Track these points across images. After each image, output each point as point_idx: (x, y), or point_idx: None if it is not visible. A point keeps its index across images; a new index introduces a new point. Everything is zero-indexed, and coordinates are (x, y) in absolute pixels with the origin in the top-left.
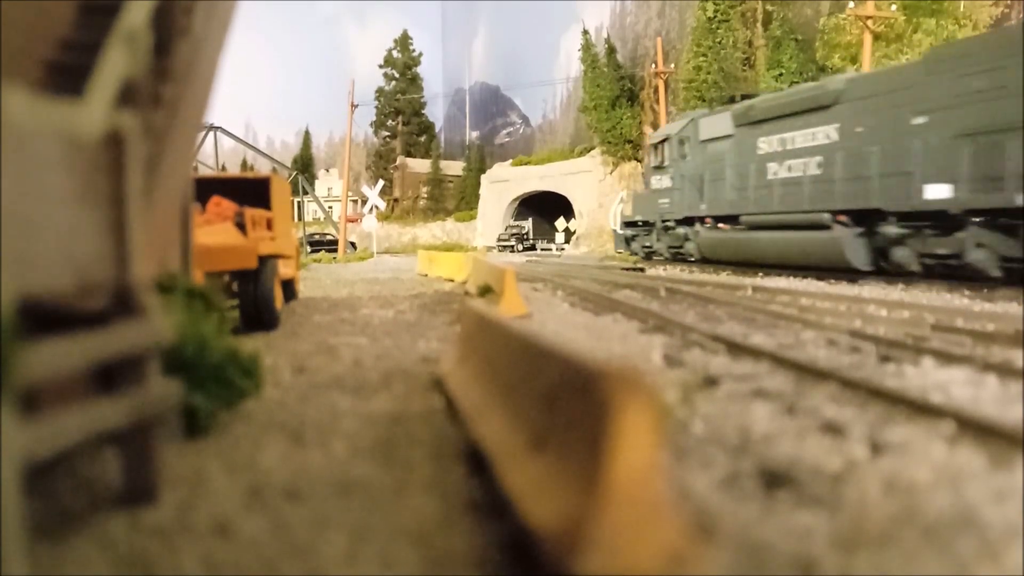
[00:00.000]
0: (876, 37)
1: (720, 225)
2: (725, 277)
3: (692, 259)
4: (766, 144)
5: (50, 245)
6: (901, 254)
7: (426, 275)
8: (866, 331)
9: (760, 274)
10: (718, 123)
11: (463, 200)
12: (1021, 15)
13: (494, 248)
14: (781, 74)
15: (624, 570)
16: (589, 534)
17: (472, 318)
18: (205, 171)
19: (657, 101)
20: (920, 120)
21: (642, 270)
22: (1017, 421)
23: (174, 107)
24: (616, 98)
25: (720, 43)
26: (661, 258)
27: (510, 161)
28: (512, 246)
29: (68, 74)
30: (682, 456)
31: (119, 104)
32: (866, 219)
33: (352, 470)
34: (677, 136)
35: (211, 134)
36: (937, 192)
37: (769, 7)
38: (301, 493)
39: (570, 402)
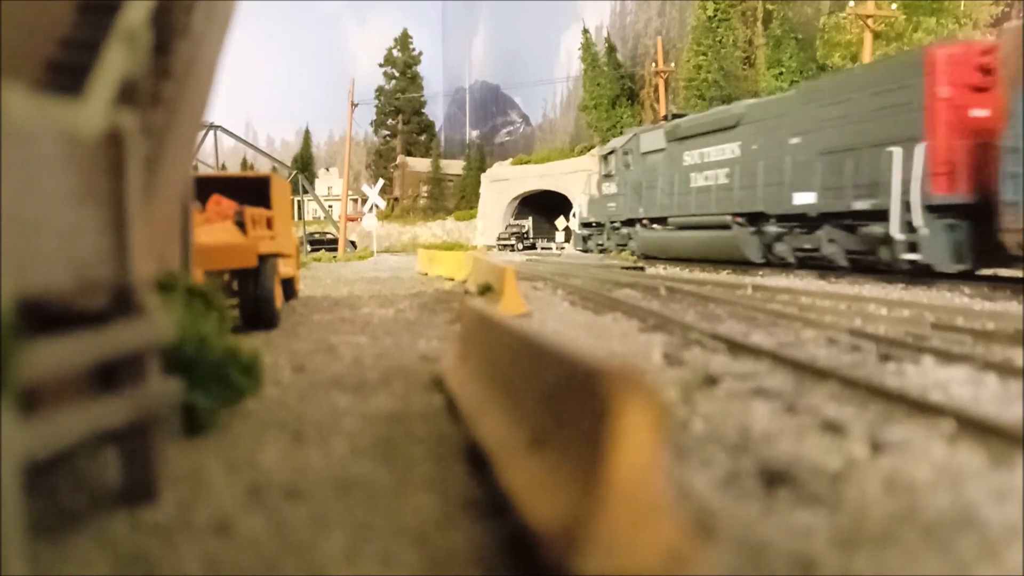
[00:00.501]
0: (876, 36)
1: (654, 226)
2: (725, 276)
3: (634, 254)
4: (689, 157)
5: (50, 244)
6: (780, 248)
7: (426, 274)
8: (866, 330)
9: (760, 273)
10: (654, 138)
11: (463, 199)
12: (1021, 14)
13: (494, 247)
14: (781, 73)
15: (624, 569)
16: (589, 533)
17: (472, 317)
18: (205, 170)
19: (657, 100)
20: (794, 140)
21: (642, 269)
22: (1017, 420)
23: (174, 106)
24: (616, 97)
25: (720, 42)
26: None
27: (510, 160)
28: (512, 245)
29: (68, 73)
30: (682, 455)
31: (119, 103)
32: (756, 220)
33: (352, 468)
34: (622, 149)
35: (211, 133)
36: (802, 199)
37: (769, 6)
38: (301, 491)
39: (570, 401)
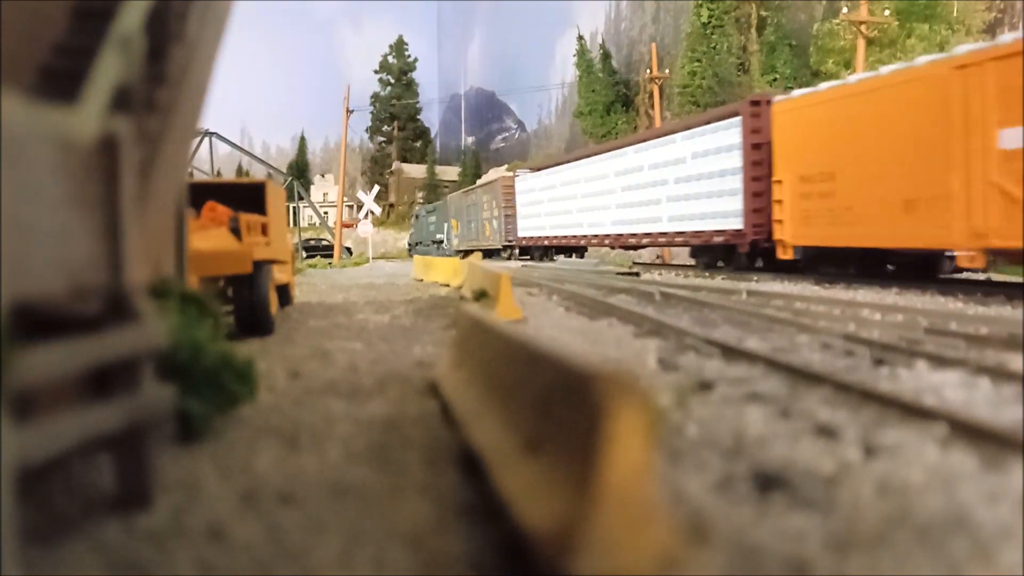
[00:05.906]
0: (870, 42)
1: (421, 245)
2: (720, 281)
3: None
4: (432, 219)
5: (44, 250)
6: (439, 251)
7: (422, 280)
8: (860, 335)
9: (755, 278)
10: (426, 210)
11: None
12: (1015, 20)
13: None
14: (775, 79)
15: (618, 572)
16: (583, 536)
17: (467, 323)
18: (200, 176)
19: (652, 106)
20: (444, 214)
21: (637, 274)
22: (1010, 423)
23: (168, 112)
24: (611, 103)
25: (714, 48)
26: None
27: (505, 166)
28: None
29: (62, 79)
30: (676, 459)
31: (113, 109)
32: (435, 243)
33: (346, 474)
34: (415, 213)
35: (207, 139)
36: (440, 235)
37: (763, 12)
38: (295, 497)
39: (564, 405)
